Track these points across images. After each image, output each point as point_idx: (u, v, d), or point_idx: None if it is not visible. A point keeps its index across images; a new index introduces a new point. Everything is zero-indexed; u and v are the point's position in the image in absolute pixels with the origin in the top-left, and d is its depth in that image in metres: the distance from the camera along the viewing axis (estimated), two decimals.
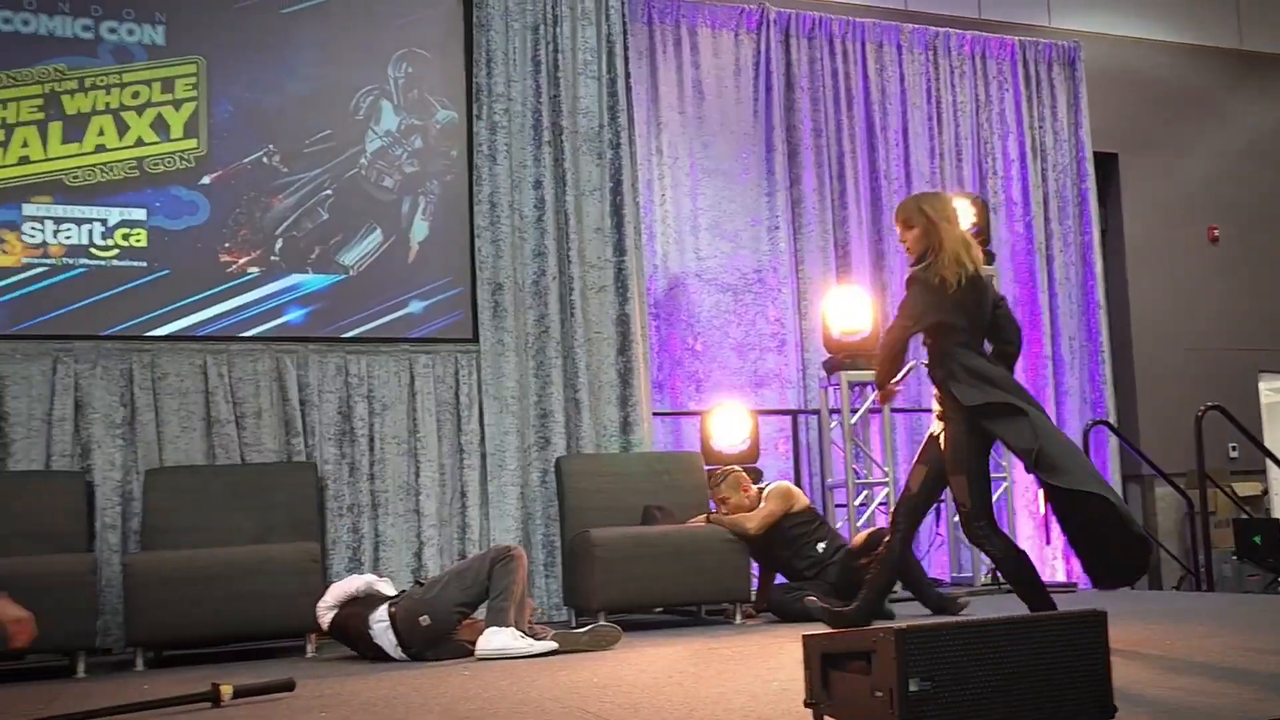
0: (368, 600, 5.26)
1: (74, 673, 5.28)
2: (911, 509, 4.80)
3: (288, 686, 4.07)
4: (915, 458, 4.86)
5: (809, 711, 2.91)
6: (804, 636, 2.99)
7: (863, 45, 8.61)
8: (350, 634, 5.28)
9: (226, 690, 3.96)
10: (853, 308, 7.66)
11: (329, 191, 7.03)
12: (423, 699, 3.95)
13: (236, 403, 6.58)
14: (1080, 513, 4.33)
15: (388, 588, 5.41)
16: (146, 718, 3.84)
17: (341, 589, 5.35)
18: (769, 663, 4.45)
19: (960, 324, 4.60)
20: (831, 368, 7.68)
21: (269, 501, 6.23)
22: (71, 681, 5.11)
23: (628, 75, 7.60)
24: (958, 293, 4.56)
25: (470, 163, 7.31)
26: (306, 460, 6.57)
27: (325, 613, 5.33)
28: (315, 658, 5.54)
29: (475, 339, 7.13)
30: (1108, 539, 4.33)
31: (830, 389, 7.76)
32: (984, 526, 4.52)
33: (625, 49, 7.62)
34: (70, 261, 6.51)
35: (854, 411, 7.63)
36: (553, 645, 5.04)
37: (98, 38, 6.69)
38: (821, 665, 2.84)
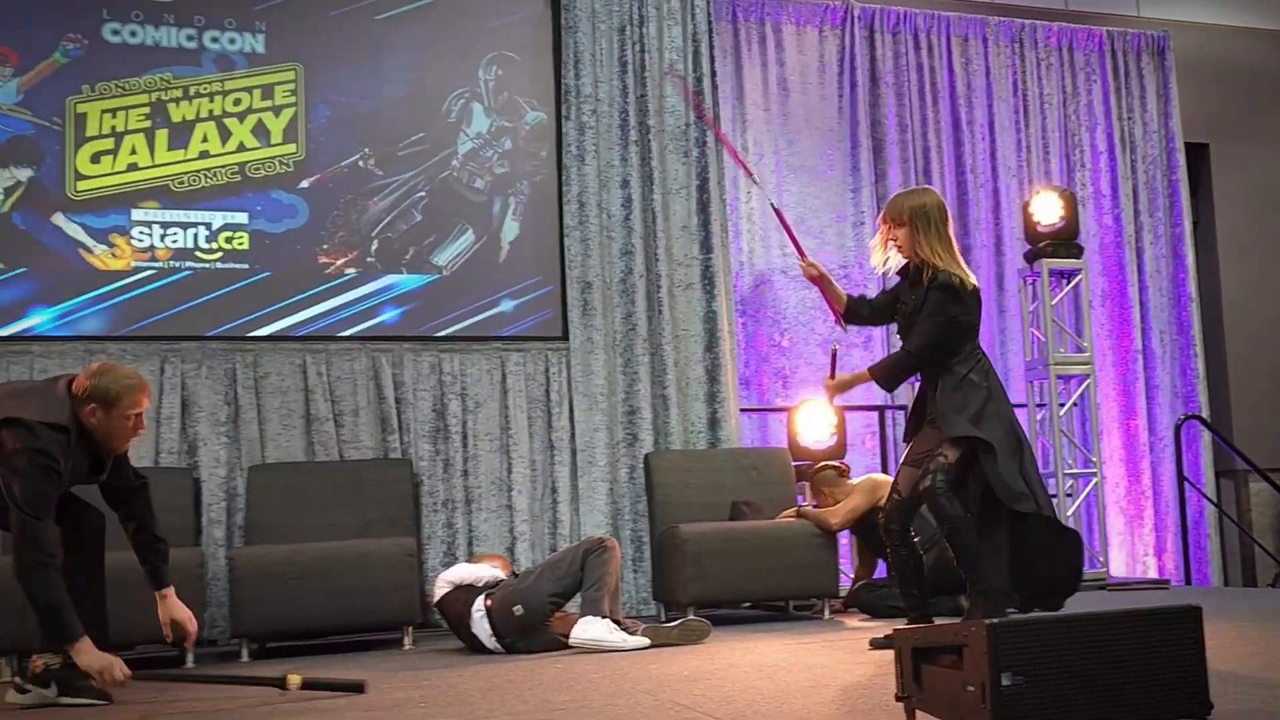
0: (475, 588, 5.40)
1: (184, 663, 5.47)
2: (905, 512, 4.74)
3: (357, 688, 4.13)
4: (902, 460, 4.83)
5: (900, 706, 2.96)
6: (895, 630, 3.04)
7: (948, 39, 8.59)
8: (453, 618, 5.43)
9: (295, 680, 4.09)
10: None
11: (422, 193, 7.19)
12: (517, 691, 4.05)
13: (335, 401, 6.76)
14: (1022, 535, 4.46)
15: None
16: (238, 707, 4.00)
17: (468, 572, 5.49)
18: (859, 657, 4.50)
19: (977, 325, 4.67)
20: None
21: (366, 497, 6.40)
22: (182, 671, 5.30)
23: (713, 74, 7.66)
24: (971, 293, 4.61)
25: (559, 163, 7.43)
26: (402, 457, 6.73)
27: (442, 585, 5.49)
28: (412, 650, 5.68)
29: (565, 337, 7.25)
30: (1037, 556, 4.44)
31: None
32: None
33: (710, 48, 7.68)
34: (176, 265, 6.73)
35: None
36: (645, 641, 5.13)
37: (201, 47, 6.91)
38: (913, 659, 2.89)
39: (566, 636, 5.19)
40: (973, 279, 4.66)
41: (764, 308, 7.98)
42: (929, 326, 4.58)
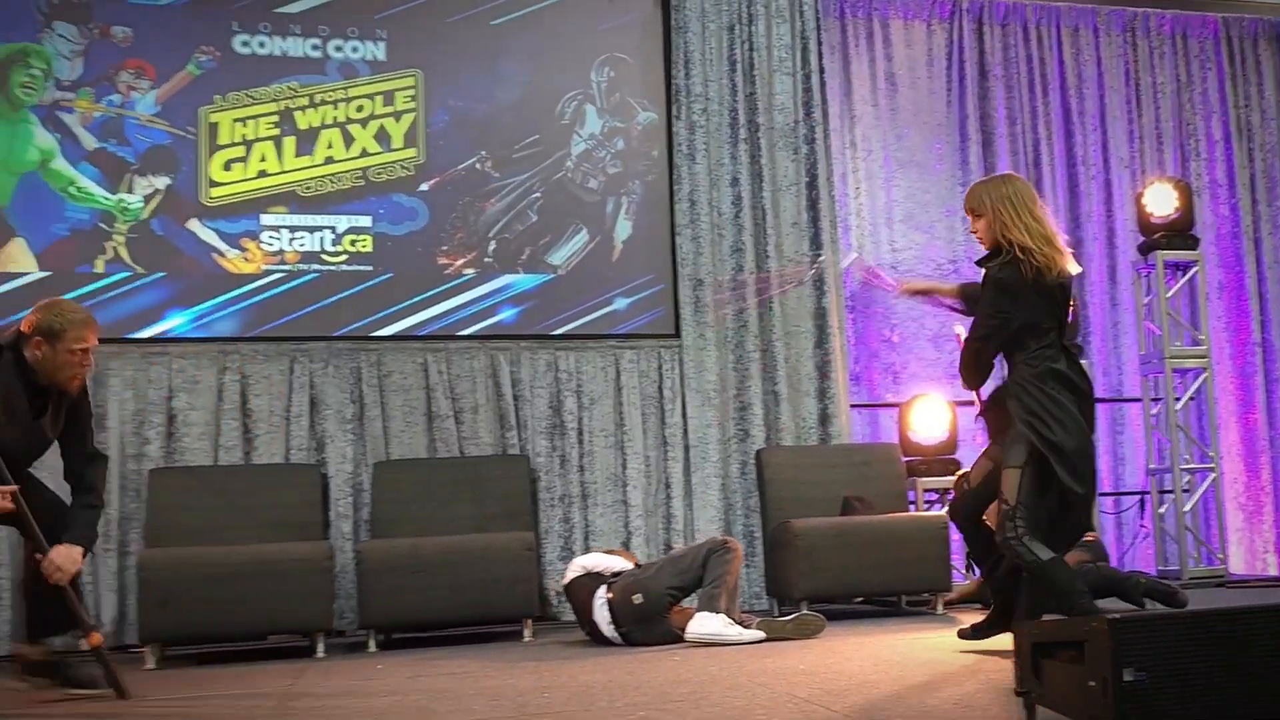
0: (602, 576, 5.56)
1: (314, 653, 5.70)
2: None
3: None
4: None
5: (1019, 700, 3.02)
6: (1014, 625, 3.10)
7: (1058, 29, 8.53)
8: (577, 603, 5.60)
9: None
10: None
11: (537, 194, 7.36)
12: (636, 682, 4.17)
13: (455, 398, 6.95)
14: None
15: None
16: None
17: (599, 561, 5.67)
18: (975, 652, 4.55)
19: (1045, 324, 4.32)
20: None
21: (486, 492, 6.58)
22: (312, 661, 5.53)
23: (821, 70, 7.71)
24: (1040, 288, 4.29)
25: (670, 162, 7.53)
26: (520, 453, 6.90)
27: (574, 569, 5.68)
28: (532, 642, 5.84)
29: (677, 334, 7.36)
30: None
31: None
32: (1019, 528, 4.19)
33: (819, 44, 7.73)
34: (304, 267, 6.98)
35: None
36: (760, 635, 5.23)
37: (326, 56, 7.15)
38: (1032, 654, 2.95)
39: (683, 630, 5.31)
40: (1064, 266, 4.34)
41: (873, 303, 8.01)
42: (980, 322, 4.39)
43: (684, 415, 7.24)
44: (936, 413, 7.37)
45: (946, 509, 4.77)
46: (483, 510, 6.53)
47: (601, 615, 5.42)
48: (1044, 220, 4.37)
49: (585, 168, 7.48)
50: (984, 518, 4.63)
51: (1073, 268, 4.40)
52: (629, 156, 7.56)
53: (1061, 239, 4.39)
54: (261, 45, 7.08)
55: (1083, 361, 4.70)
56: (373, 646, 5.85)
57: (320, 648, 5.71)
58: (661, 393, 7.26)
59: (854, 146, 8.11)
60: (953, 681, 3.80)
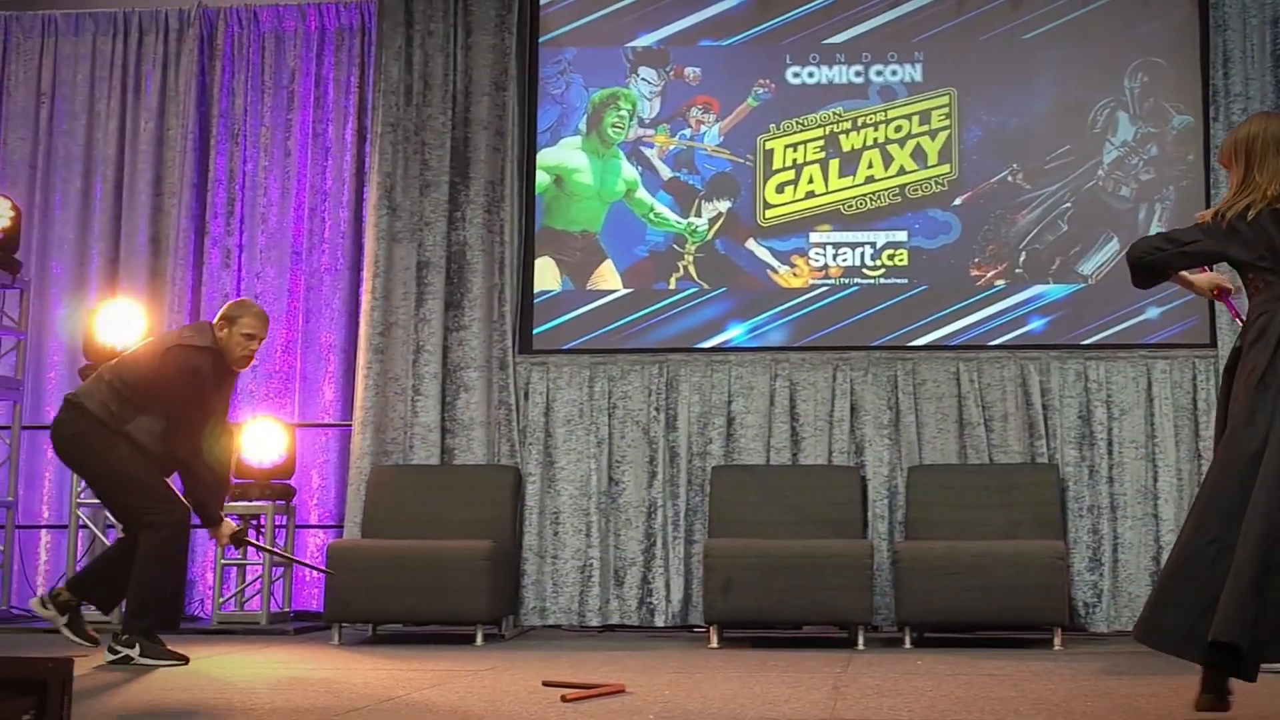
0: None
1: (854, 644, 6.31)
2: None
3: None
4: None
5: None
6: None
7: None
8: None
9: None
10: None
11: (1068, 204, 7.51)
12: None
13: (985, 406, 7.29)
14: None
15: None
16: None
17: None
18: None
19: (1260, 262, 3.92)
20: None
21: (1014, 499, 6.87)
22: (854, 652, 6.13)
23: None
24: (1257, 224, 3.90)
25: (1206, 166, 7.42)
26: (1048, 462, 7.15)
27: None
28: (1061, 650, 6.11)
29: (1213, 344, 7.29)
30: None
31: None
32: None
33: None
34: (846, 281, 7.56)
35: None
36: None
37: (867, 81, 7.65)
38: None
39: None
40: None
41: None
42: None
43: None
44: None
45: None
46: (1011, 516, 6.84)
47: None
48: None
49: (1117, 175, 7.54)
50: None
51: None
52: (1162, 162, 7.53)
53: None
54: (810, 75, 7.68)
55: None
56: (908, 643, 6.36)
57: (860, 640, 6.30)
58: (1195, 404, 7.22)
59: None
60: None
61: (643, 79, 7.80)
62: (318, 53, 8.17)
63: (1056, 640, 6.27)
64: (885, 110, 7.61)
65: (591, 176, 7.77)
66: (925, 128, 7.59)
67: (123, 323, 7.40)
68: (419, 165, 7.77)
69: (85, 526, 7.44)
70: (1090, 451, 7.22)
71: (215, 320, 5.60)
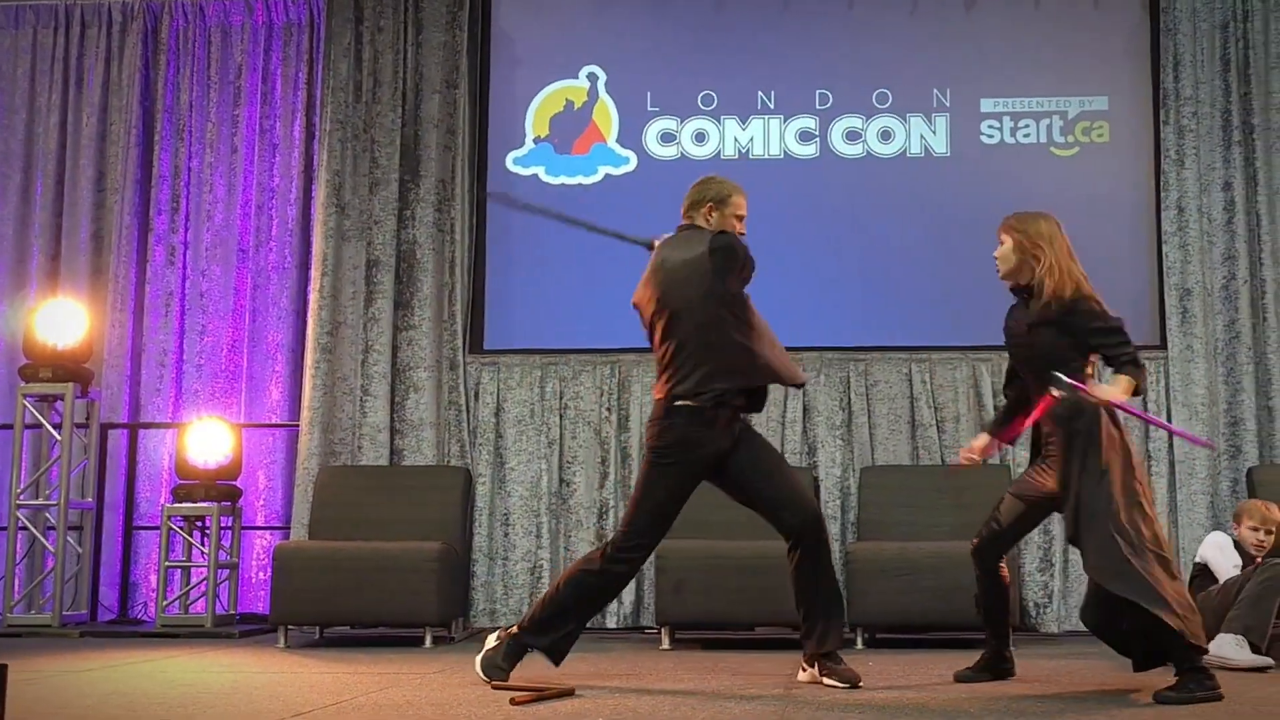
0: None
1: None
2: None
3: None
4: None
5: None
6: None
7: None
8: None
9: None
10: None
11: None
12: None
13: (937, 407, 7.28)
14: None
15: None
16: None
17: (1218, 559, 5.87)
18: None
19: None
20: None
21: (966, 500, 6.75)
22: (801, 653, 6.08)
23: None
24: None
25: (1157, 169, 7.46)
26: (1000, 463, 7.13)
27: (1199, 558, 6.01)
28: (1016, 650, 6.13)
29: (1163, 345, 7.32)
30: None
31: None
32: None
33: None
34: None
35: None
36: (1268, 661, 5.26)
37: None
38: None
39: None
40: None
41: None
42: None
43: None
44: None
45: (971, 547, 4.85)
46: (964, 518, 6.76)
47: None
48: None
49: None
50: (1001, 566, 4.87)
51: None
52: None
53: None
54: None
55: None
56: (859, 644, 6.33)
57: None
58: (1145, 405, 7.25)
59: None
60: None
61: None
62: (265, 48, 8.07)
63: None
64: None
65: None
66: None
67: (64, 321, 7.26)
68: (368, 163, 7.68)
69: (25, 528, 7.28)
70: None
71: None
